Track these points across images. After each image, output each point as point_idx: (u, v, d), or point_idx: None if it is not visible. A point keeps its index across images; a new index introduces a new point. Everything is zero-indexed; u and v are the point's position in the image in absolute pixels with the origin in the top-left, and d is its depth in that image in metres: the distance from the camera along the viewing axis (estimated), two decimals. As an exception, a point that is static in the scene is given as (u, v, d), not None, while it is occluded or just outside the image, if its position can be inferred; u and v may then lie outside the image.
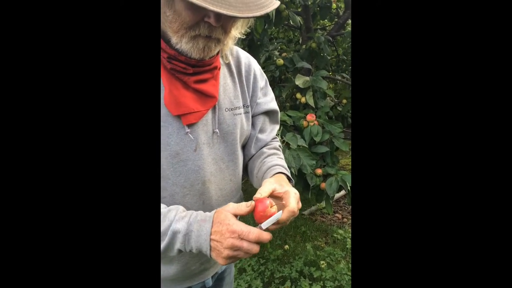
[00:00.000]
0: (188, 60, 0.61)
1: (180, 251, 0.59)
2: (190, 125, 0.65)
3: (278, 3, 0.59)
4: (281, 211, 0.58)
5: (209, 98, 0.66)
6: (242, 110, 0.74)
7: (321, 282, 1.75)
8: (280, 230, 2.33)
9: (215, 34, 0.59)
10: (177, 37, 0.58)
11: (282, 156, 0.82)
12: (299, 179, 1.71)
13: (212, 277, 0.87)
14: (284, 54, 2.12)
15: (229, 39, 0.65)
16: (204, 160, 0.68)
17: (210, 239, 0.56)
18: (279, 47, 2.48)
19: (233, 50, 0.76)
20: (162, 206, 0.62)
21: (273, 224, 0.57)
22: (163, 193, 0.66)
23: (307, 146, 1.57)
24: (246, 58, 0.78)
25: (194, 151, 0.66)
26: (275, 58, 2.07)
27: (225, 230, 0.55)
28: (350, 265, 1.93)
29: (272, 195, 0.63)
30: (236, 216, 0.58)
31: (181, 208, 0.61)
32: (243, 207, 0.58)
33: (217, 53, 0.67)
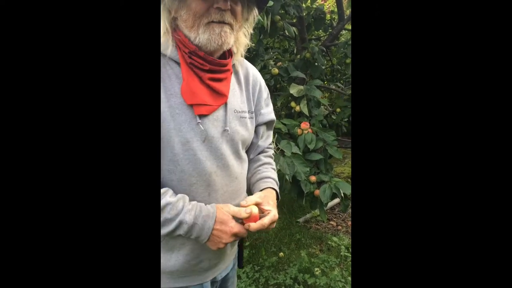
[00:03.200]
0: (206, 56, 0.70)
1: (179, 235, 0.69)
2: (201, 117, 0.71)
3: None
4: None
5: (220, 96, 0.74)
6: (247, 115, 0.81)
7: (315, 289, 1.76)
8: (275, 238, 2.34)
9: (227, 18, 0.67)
10: (193, 31, 0.67)
11: (274, 165, 0.93)
12: (293, 185, 1.73)
13: (212, 283, 0.87)
14: (279, 64, 2.17)
15: (240, 45, 0.77)
16: (212, 152, 0.73)
17: (211, 234, 0.68)
18: (274, 57, 2.53)
19: (243, 62, 0.85)
20: (169, 192, 0.68)
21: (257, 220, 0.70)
22: (171, 176, 0.70)
23: (301, 154, 1.60)
24: (253, 70, 0.87)
25: (203, 141, 0.71)
26: (270, 68, 2.12)
27: (228, 231, 0.68)
28: (344, 272, 1.93)
29: (258, 206, 0.73)
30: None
31: (187, 198, 0.70)
32: (244, 213, 0.69)
33: (230, 55, 0.77)
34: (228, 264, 0.89)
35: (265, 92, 0.90)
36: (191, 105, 0.69)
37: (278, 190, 0.84)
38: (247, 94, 0.83)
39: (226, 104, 0.75)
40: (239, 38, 0.76)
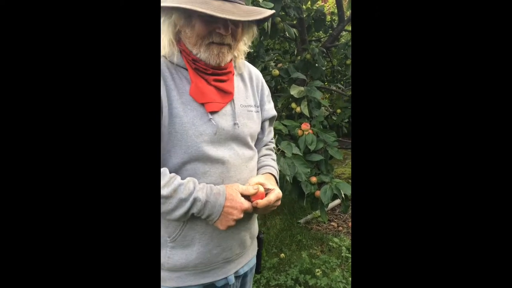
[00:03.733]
0: (207, 65, 0.77)
1: (192, 214, 0.74)
2: (212, 113, 0.78)
3: (272, 12, 0.76)
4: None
5: (226, 94, 0.81)
6: (253, 109, 0.89)
7: (317, 290, 1.76)
8: (276, 239, 2.34)
9: (226, 40, 0.74)
10: (196, 48, 0.75)
11: (274, 157, 1.00)
12: (294, 186, 1.73)
13: (236, 278, 0.90)
14: (279, 65, 2.17)
15: (240, 52, 0.84)
16: (224, 143, 0.80)
17: (222, 211, 0.73)
18: (275, 58, 2.54)
19: (245, 63, 0.92)
20: (177, 176, 0.73)
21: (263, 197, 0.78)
22: (186, 166, 0.76)
23: (301, 154, 1.60)
24: (255, 70, 0.96)
25: (214, 134, 0.78)
26: (270, 69, 2.12)
27: (238, 207, 0.74)
28: (345, 273, 1.93)
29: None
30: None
31: (195, 179, 0.74)
32: (251, 189, 0.77)
33: (230, 60, 0.83)
34: (250, 258, 0.93)
35: (267, 90, 0.97)
36: (203, 104, 0.76)
37: (277, 177, 0.90)
38: (251, 89, 0.90)
39: (233, 100, 0.82)
40: (238, 47, 0.82)
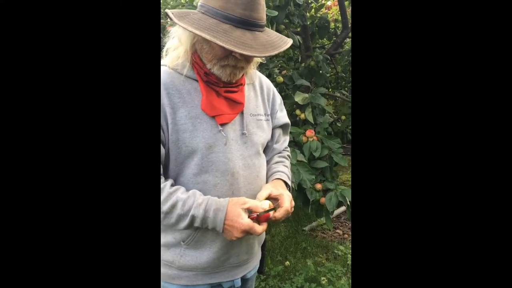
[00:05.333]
0: (219, 79, 0.78)
1: (206, 231, 0.77)
2: (222, 125, 0.79)
3: (290, 43, 0.76)
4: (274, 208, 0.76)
5: (237, 104, 0.82)
6: (263, 117, 0.90)
7: (322, 298, 1.73)
8: (281, 246, 2.32)
9: (240, 64, 0.76)
10: (210, 64, 0.76)
11: (288, 163, 0.97)
12: (298, 193, 1.72)
13: (243, 281, 0.93)
14: (284, 72, 2.18)
15: (253, 64, 0.85)
16: (233, 154, 0.80)
17: (224, 226, 0.73)
18: (279, 65, 2.55)
19: (256, 73, 0.93)
20: (180, 189, 0.75)
21: (269, 217, 0.75)
22: (197, 179, 0.78)
23: (306, 161, 1.60)
24: (266, 80, 0.97)
25: (224, 145, 0.79)
26: (275, 76, 2.14)
27: (238, 227, 0.72)
28: (351, 281, 1.91)
29: (269, 197, 0.79)
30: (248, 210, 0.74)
31: (197, 193, 0.75)
32: (259, 208, 0.74)
33: (242, 75, 0.84)
34: (256, 262, 0.96)
35: (279, 98, 0.98)
36: (213, 116, 0.78)
37: (288, 181, 0.88)
38: (262, 98, 0.92)
39: (243, 110, 0.84)
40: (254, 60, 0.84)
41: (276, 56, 3.01)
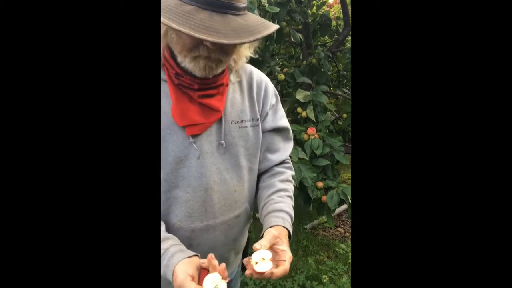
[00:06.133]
0: (193, 79, 0.66)
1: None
2: (194, 136, 0.69)
3: (273, 28, 0.62)
4: (269, 265, 0.62)
5: (213, 112, 0.70)
6: (249, 123, 0.76)
7: (323, 296, 1.73)
8: (282, 244, 2.32)
9: (214, 55, 0.63)
10: (181, 56, 0.65)
11: (291, 192, 0.82)
12: (300, 191, 1.72)
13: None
14: (285, 70, 2.18)
15: (239, 57, 0.71)
16: (207, 168, 0.71)
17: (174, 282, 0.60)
18: (280, 63, 2.54)
19: (246, 68, 0.79)
20: (162, 227, 0.68)
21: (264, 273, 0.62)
22: (167, 195, 0.70)
23: (308, 159, 1.59)
24: (258, 75, 0.81)
25: (197, 158, 0.70)
26: (276, 73, 2.13)
27: None
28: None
29: (271, 248, 0.67)
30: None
31: (169, 242, 0.65)
32: (216, 267, 0.59)
33: (223, 72, 0.70)
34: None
35: (273, 98, 0.83)
36: (183, 126, 0.68)
37: (290, 229, 0.74)
38: (250, 100, 0.77)
39: (221, 117, 0.71)
40: (238, 53, 0.70)
41: (277, 53, 3.00)
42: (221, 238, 0.78)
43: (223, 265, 0.60)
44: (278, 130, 0.83)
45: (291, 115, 2.26)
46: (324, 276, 1.90)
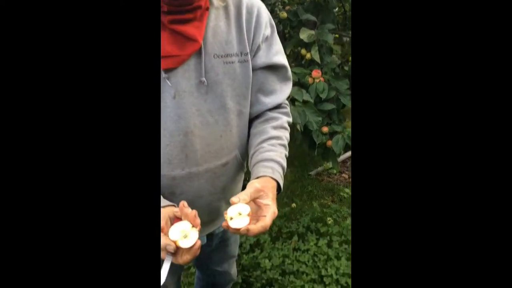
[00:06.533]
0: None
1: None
2: (168, 70, 0.61)
3: None
4: (246, 221, 0.56)
5: (189, 42, 0.60)
6: (236, 58, 0.65)
7: (328, 237, 1.80)
8: (287, 190, 2.36)
9: None
10: None
11: (285, 141, 0.73)
12: (304, 136, 1.69)
13: (210, 237, 0.86)
14: (287, 7, 2.02)
15: None
16: (186, 109, 0.63)
17: None
18: (281, 0, 2.36)
19: None
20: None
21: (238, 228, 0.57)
22: None
23: (312, 101, 1.54)
24: (252, 0, 0.68)
25: (173, 98, 0.61)
26: (278, 11, 1.98)
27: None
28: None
29: (254, 201, 0.61)
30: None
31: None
32: (195, 219, 0.55)
33: None
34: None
35: (267, 28, 0.70)
36: None
37: (281, 181, 0.67)
38: (238, 30, 0.66)
39: (200, 49, 0.61)
40: None
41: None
42: (207, 187, 0.73)
43: (193, 212, 0.55)
44: (273, 68, 0.72)
45: (294, 61, 2.15)
46: (328, 219, 1.96)
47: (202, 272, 1.12)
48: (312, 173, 2.65)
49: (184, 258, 0.54)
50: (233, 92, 0.68)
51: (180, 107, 0.63)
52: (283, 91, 0.75)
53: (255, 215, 0.60)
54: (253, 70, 0.70)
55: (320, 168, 2.72)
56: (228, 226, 0.57)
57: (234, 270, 1.11)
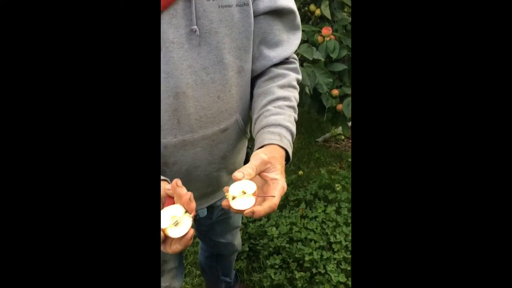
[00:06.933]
0: None
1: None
2: None
3: None
4: (251, 201, 0.48)
5: None
6: (233, 2, 0.55)
7: (336, 203, 1.76)
8: (293, 157, 2.30)
9: None
10: None
11: (294, 102, 0.63)
12: (313, 100, 1.59)
13: (210, 209, 0.81)
14: (295, -42, 1.83)
15: None
16: (175, 65, 0.53)
17: None
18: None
19: None
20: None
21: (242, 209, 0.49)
22: None
23: (323, 59, 1.41)
24: None
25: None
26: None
27: None
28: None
29: (260, 175, 0.52)
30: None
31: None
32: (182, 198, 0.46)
33: None
34: None
35: None
36: None
37: (290, 149, 0.58)
38: None
39: None
40: None
41: None
42: (204, 156, 0.64)
43: (188, 194, 0.47)
44: (279, 13, 0.61)
45: (302, 16, 1.99)
46: (336, 185, 1.91)
47: (205, 243, 1.08)
48: (319, 139, 2.58)
49: (173, 248, 0.46)
50: (232, 44, 0.57)
51: (168, 62, 0.53)
52: (290, 42, 0.64)
53: (261, 191, 0.52)
54: (254, 16, 0.59)
55: (327, 135, 2.64)
56: (229, 206, 0.49)
57: (238, 240, 1.07)
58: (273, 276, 1.40)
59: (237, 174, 0.50)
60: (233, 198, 0.49)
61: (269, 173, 0.53)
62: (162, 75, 0.54)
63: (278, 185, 0.51)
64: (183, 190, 0.47)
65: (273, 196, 0.50)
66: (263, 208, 0.49)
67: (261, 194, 0.51)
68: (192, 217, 0.46)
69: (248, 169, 0.50)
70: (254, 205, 0.48)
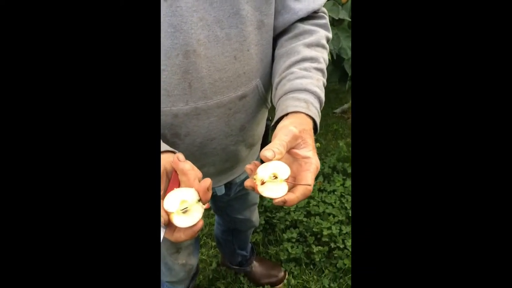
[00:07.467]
0: None
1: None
2: None
3: None
4: (284, 188, 0.41)
5: None
6: None
7: (355, 177, 1.69)
8: (310, 129, 2.22)
9: None
10: None
11: (323, 63, 0.54)
12: (335, 67, 1.48)
13: (228, 186, 0.75)
14: None
15: None
16: (184, 17, 0.45)
17: None
18: None
19: None
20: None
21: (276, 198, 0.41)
22: None
23: (349, 19, 1.28)
24: None
25: (164, 1, 0.44)
26: None
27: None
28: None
29: (289, 153, 0.44)
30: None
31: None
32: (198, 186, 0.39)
33: None
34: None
35: None
36: None
37: (317, 119, 0.50)
38: None
39: None
40: None
41: None
42: (220, 126, 0.56)
43: (207, 182, 0.39)
44: None
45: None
46: (356, 158, 1.83)
47: (222, 218, 1.04)
48: (337, 110, 2.47)
49: (176, 236, 0.39)
50: None
51: (175, 14, 0.45)
52: None
53: (291, 181, 0.43)
54: None
55: (345, 106, 2.52)
56: (257, 191, 0.42)
57: (256, 216, 1.03)
58: (290, 250, 1.37)
59: (267, 153, 0.41)
60: (263, 183, 0.41)
61: (299, 150, 0.45)
62: (168, 29, 0.46)
63: (312, 165, 0.44)
64: (189, 166, 0.40)
65: (309, 185, 0.42)
66: (296, 197, 0.42)
67: (295, 182, 0.43)
68: (203, 208, 0.39)
69: (279, 146, 0.42)
70: (285, 195, 0.41)
